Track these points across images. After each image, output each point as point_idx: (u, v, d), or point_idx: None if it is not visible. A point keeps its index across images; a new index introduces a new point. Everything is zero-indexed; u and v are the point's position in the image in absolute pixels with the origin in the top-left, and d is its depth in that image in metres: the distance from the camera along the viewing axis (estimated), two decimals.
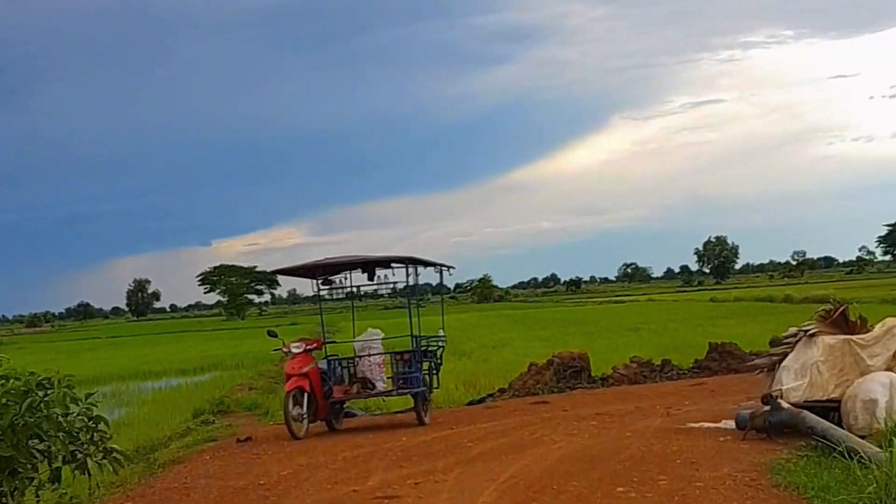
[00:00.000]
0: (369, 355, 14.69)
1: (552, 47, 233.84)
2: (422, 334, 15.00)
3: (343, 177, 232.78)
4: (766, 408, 10.67)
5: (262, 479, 10.32)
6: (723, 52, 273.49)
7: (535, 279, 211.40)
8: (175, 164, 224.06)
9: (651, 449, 10.43)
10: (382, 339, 15.02)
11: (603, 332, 34.77)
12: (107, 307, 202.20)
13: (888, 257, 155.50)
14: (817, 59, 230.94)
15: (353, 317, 17.20)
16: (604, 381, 18.40)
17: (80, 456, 7.57)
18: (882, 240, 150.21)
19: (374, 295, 20.61)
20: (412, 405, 14.73)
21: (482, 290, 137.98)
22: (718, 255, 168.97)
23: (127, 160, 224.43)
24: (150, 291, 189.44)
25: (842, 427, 9.98)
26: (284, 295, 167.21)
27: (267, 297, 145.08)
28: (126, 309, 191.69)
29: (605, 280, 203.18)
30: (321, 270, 15.24)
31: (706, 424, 11.92)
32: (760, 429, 10.67)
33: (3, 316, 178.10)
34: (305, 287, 15.96)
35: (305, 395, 13.87)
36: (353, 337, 15.59)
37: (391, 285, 16.05)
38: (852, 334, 11.38)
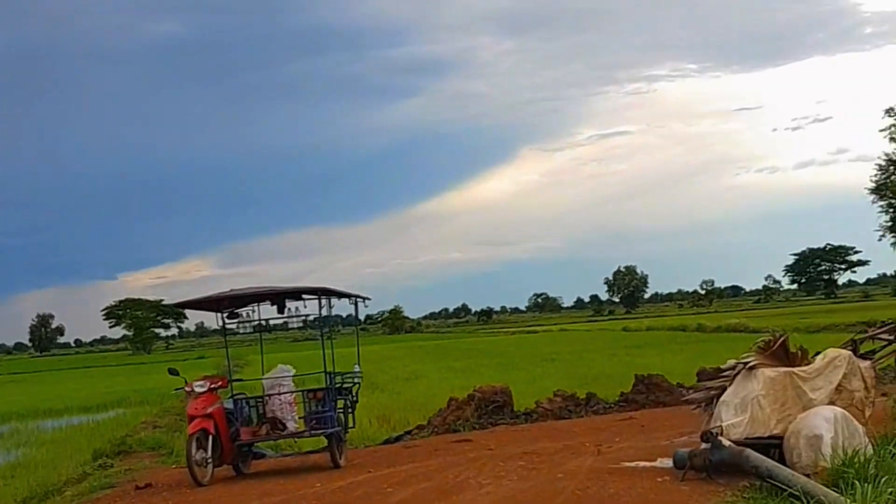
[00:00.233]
0: (279, 393, 13.77)
1: (460, 80, 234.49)
2: (336, 370, 14.11)
3: (250, 209, 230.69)
4: (706, 445, 10.04)
5: None
6: (629, 85, 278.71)
7: (446, 310, 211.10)
8: (79, 197, 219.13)
9: (586, 492, 9.76)
10: (294, 375, 14.13)
11: (518, 363, 34.69)
12: (9, 343, 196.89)
13: (795, 286, 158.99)
14: (721, 93, 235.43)
15: (262, 351, 16.27)
16: (527, 416, 17.72)
17: None
18: (789, 269, 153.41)
19: (284, 327, 19.71)
20: (326, 444, 13.79)
21: (393, 321, 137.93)
22: (628, 285, 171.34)
23: (28, 194, 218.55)
24: (53, 326, 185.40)
25: (784, 464, 9.48)
26: (192, 328, 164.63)
27: (174, 331, 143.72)
28: (29, 344, 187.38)
29: (516, 310, 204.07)
30: (227, 303, 14.29)
31: (641, 463, 11.25)
32: (700, 468, 10.05)
33: None
34: (213, 320, 15.05)
35: (210, 437, 12.84)
36: (262, 373, 14.66)
37: (302, 318, 15.14)
38: (793, 366, 10.85)
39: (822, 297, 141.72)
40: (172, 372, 14.07)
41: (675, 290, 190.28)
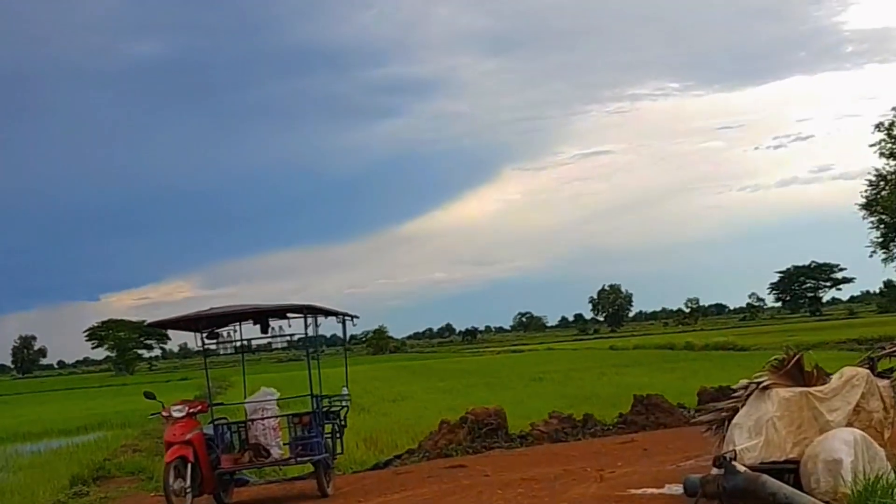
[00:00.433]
0: (263, 418, 13.06)
1: (442, 100, 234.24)
2: (323, 392, 13.42)
3: (233, 229, 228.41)
4: (719, 471, 9.41)
5: None
6: (611, 104, 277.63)
7: (431, 329, 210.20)
8: (61, 218, 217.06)
9: None
10: (278, 399, 13.42)
11: (505, 383, 34.18)
12: None
13: (779, 304, 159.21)
14: (703, 111, 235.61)
15: (244, 373, 15.52)
16: (523, 439, 16.98)
17: None
18: (774, 286, 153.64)
19: (268, 348, 19.00)
20: (312, 470, 13.10)
21: (377, 342, 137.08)
22: (613, 304, 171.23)
23: (9, 215, 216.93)
24: (36, 348, 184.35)
25: (801, 490, 8.88)
26: (176, 349, 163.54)
27: (157, 352, 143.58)
28: (11, 366, 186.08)
29: (501, 329, 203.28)
30: (206, 322, 13.50)
31: (649, 490, 10.64)
32: (713, 495, 9.38)
33: None
34: (196, 340, 14.28)
35: (189, 465, 12.09)
36: (245, 395, 13.97)
37: (287, 337, 14.44)
38: (808, 386, 10.22)
39: (807, 314, 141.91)
40: (149, 396, 13.29)
41: (659, 309, 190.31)
